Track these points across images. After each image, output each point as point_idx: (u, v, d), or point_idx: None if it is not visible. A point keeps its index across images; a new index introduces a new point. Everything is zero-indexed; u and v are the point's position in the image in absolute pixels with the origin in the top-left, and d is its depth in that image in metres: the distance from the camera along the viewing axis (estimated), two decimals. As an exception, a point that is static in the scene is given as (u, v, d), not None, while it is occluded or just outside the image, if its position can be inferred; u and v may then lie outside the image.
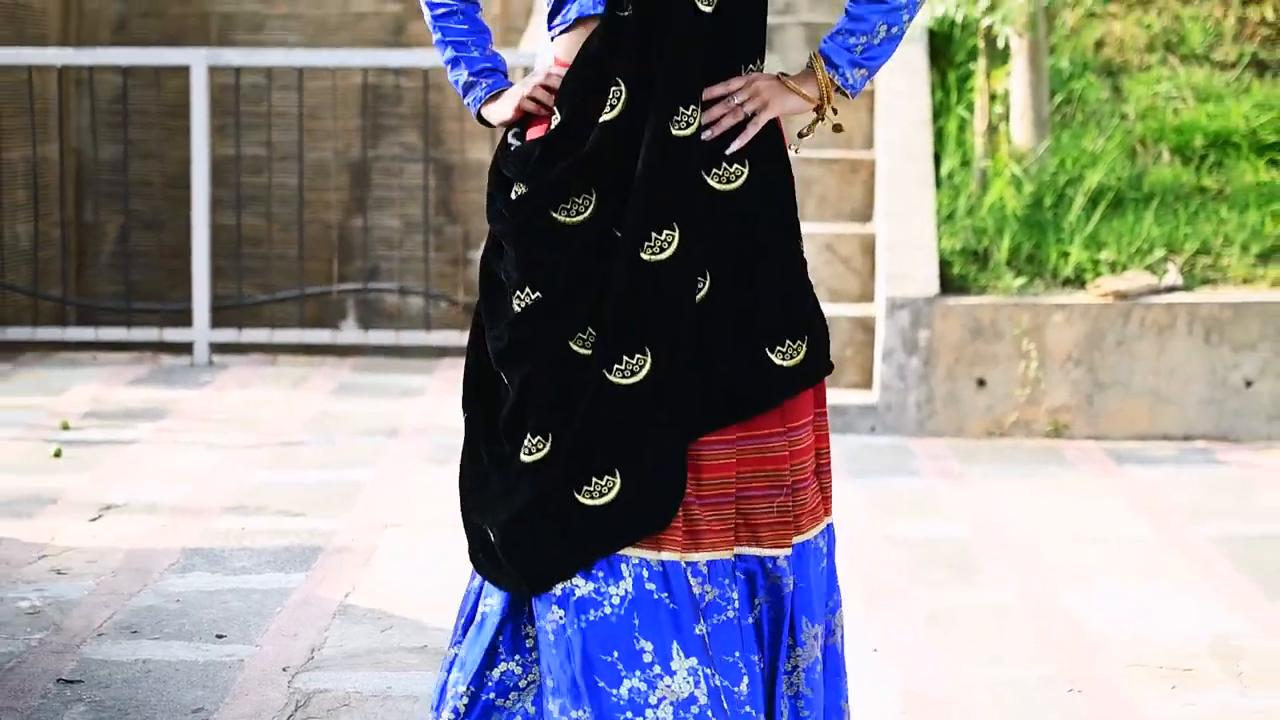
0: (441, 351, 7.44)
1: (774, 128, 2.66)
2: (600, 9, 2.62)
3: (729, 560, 2.55)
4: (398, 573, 4.29)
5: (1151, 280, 5.95)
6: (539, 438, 2.54)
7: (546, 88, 2.68)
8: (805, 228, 6.54)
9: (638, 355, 2.52)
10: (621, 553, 2.52)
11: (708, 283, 2.57)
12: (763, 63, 2.69)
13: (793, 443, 2.60)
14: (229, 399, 6.45)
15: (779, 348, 2.60)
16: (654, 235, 2.56)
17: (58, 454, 5.49)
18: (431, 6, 2.82)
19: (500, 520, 2.54)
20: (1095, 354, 5.86)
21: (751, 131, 2.60)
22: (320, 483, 5.17)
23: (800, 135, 2.71)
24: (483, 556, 2.60)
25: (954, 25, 6.60)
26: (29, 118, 8.12)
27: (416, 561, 4.38)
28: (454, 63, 2.79)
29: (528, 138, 2.68)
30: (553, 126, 2.63)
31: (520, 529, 2.52)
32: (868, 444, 5.80)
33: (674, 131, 2.57)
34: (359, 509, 4.87)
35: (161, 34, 9.19)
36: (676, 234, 2.56)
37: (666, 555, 2.52)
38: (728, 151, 2.60)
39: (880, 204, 6.37)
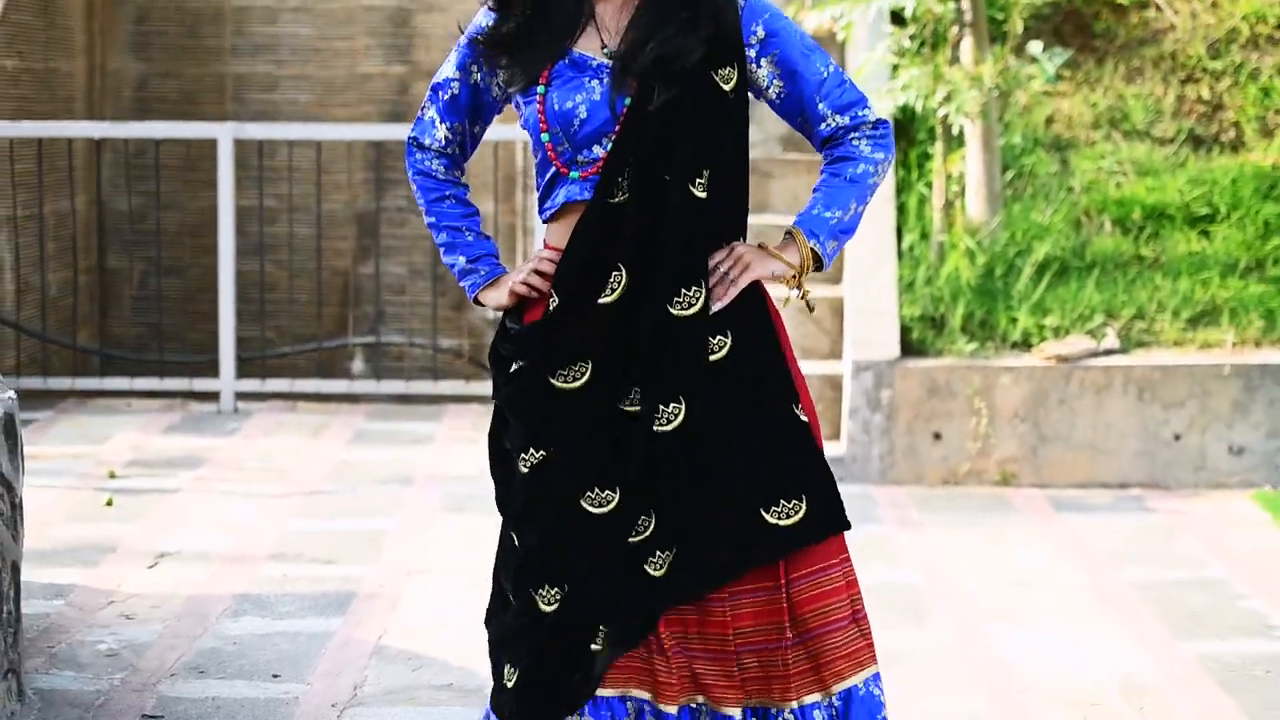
0: (448, 399, 8.08)
1: (759, 297, 2.84)
2: (587, 195, 2.81)
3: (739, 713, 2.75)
4: (423, 616, 4.93)
5: (1091, 344, 6.62)
6: (555, 589, 2.76)
7: (539, 273, 2.84)
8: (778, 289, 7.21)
9: (643, 518, 2.76)
10: (627, 693, 2.76)
11: (701, 445, 2.76)
12: (745, 239, 2.87)
13: (792, 595, 2.76)
14: (256, 447, 7.09)
15: (774, 507, 2.75)
16: (661, 408, 2.74)
17: (109, 503, 6.12)
18: (424, 191, 2.97)
19: (521, 661, 2.80)
20: (1040, 411, 6.53)
21: (733, 292, 2.78)
22: (347, 531, 5.82)
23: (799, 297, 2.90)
24: (504, 698, 2.84)
25: (914, 113, 7.27)
26: (68, 173, 8.77)
27: (440, 606, 5.02)
28: (449, 248, 2.94)
29: (525, 320, 2.86)
30: (550, 310, 2.80)
31: (538, 672, 2.78)
32: (836, 492, 6.45)
33: (674, 312, 2.74)
34: (384, 556, 5.52)
35: (180, 93, 9.81)
36: (683, 407, 2.73)
37: (666, 706, 2.76)
38: (710, 312, 2.77)
39: (848, 272, 7.02)
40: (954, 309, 6.71)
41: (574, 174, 2.84)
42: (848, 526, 2.83)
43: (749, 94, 2.89)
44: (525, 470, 2.79)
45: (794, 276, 2.85)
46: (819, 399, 6.79)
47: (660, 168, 2.78)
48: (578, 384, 2.78)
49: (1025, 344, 6.68)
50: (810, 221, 2.85)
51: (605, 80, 2.83)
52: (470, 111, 2.98)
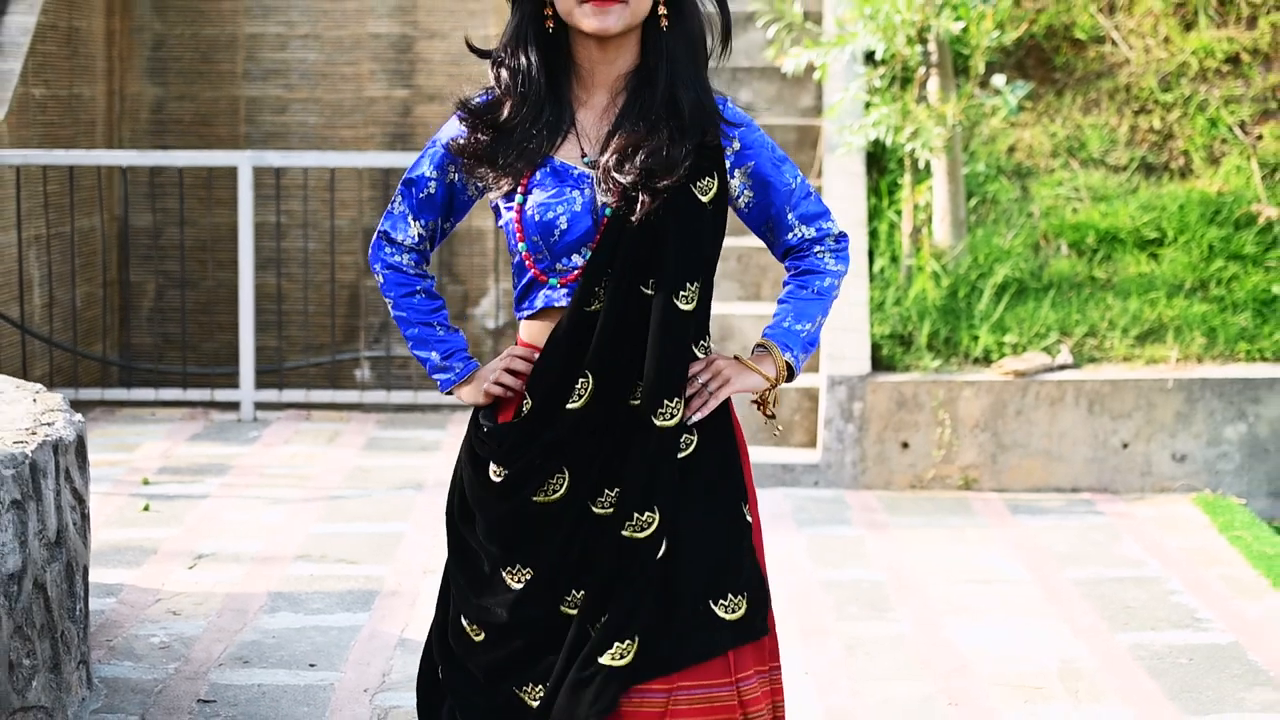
0: (452, 408, 8.65)
1: (726, 408, 2.90)
2: (565, 303, 2.84)
3: None
4: (439, 612, 5.50)
5: (1046, 360, 7.21)
6: (540, 686, 2.85)
7: (511, 371, 2.89)
8: (761, 307, 7.80)
9: (607, 613, 2.81)
10: None
11: (665, 542, 2.83)
12: (708, 340, 2.92)
13: (743, 693, 2.81)
14: (276, 454, 7.66)
15: (722, 601, 2.81)
16: (635, 515, 2.79)
17: (146, 508, 6.69)
18: (394, 285, 2.99)
19: None
20: (999, 421, 7.11)
21: (712, 404, 2.84)
22: (366, 533, 6.39)
23: (770, 417, 2.97)
24: None
25: (885, 146, 7.85)
26: (90, 194, 9.33)
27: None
28: (421, 343, 2.98)
29: (499, 419, 2.91)
30: (524, 413, 2.85)
31: None
32: (812, 496, 7.03)
33: (658, 423, 2.79)
34: (401, 556, 6.09)
35: (195, 115, 10.35)
36: (657, 516, 2.79)
37: None
38: (689, 422, 2.83)
39: (824, 292, 7.59)
40: (920, 328, 7.28)
41: (552, 280, 2.88)
42: (765, 632, 2.89)
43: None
44: (517, 587, 2.86)
45: (768, 389, 2.92)
46: (797, 410, 7.37)
47: (639, 279, 2.83)
48: (556, 496, 2.85)
49: (986, 360, 7.25)
50: (783, 335, 2.94)
51: (586, 190, 2.86)
52: (444, 209, 3.00)
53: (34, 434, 4.45)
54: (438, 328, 3.00)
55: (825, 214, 3.02)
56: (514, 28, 2.90)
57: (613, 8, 2.82)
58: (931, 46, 7.52)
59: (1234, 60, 8.48)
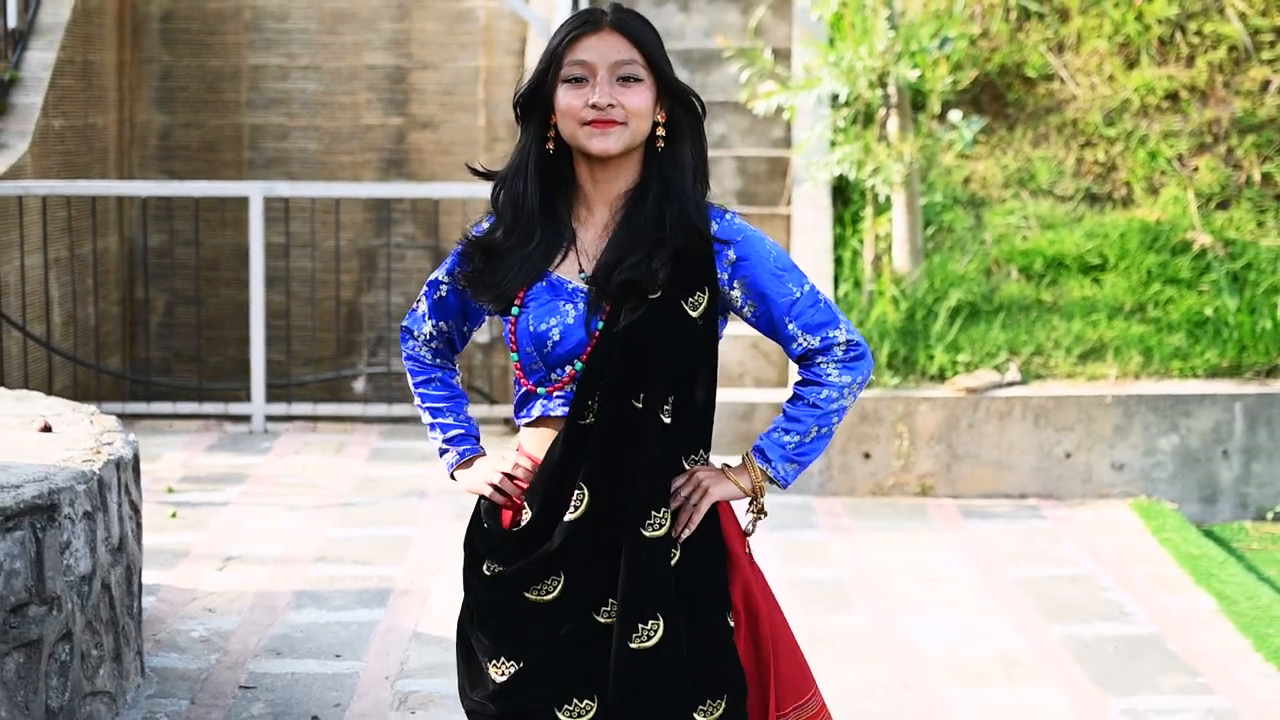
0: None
1: (713, 519, 2.95)
2: (560, 412, 2.90)
3: None
4: (449, 607, 6.13)
5: (996, 377, 7.88)
6: None
7: (509, 476, 2.96)
8: (736, 328, 8.45)
9: (586, 701, 2.87)
10: None
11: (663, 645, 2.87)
12: (707, 452, 2.96)
13: None
14: (288, 464, 8.29)
15: (701, 706, 2.89)
16: (640, 626, 2.84)
17: (174, 515, 7.31)
18: (413, 373, 3.11)
19: None
20: (953, 434, 7.78)
21: (696, 518, 2.89)
22: (377, 537, 7.02)
23: (746, 534, 3.02)
24: None
25: (848, 181, 8.52)
26: (107, 217, 9.95)
27: (460, 599, 6.22)
28: (431, 426, 3.08)
29: (500, 519, 2.98)
30: (524, 523, 2.92)
31: None
32: (781, 502, 7.69)
33: (646, 534, 2.85)
34: (411, 558, 6.73)
35: (201, 142, 10.96)
36: (661, 623, 2.85)
37: None
38: (677, 538, 2.89)
39: (793, 314, 8.25)
40: (881, 348, 7.94)
41: (541, 390, 2.97)
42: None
43: (724, 313, 3.02)
44: (501, 680, 2.92)
45: (751, 500, 2.97)
46: (767, 421, 8.03)
47: (628, 392, 2.89)
48: (550, 597, 2.91)
49: (941, 377, 7.92)
50: (766, 446, 2.98)
51: (580, 304, 2.93)
52: (458, 313, 3.11)
53: (99, 453, 5.08)
54: (448, 414, 3.09)
55: (832, 322, 3.00)
56: (518, 152, 3.01)
57: (613, 130, 2.92)
58: (891, 90, 8.19)
59: (1173, 97, 9.16)
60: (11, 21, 9.50)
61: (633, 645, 2.85)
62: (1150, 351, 8.02)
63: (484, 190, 9.47)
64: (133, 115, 10.95)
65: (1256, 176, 8.87)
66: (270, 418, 9.14)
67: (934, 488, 7.77)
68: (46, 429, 5.33)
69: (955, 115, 8.30)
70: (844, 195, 8.71)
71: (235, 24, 10.90)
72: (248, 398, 9.15)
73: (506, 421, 8.96)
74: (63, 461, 4.92)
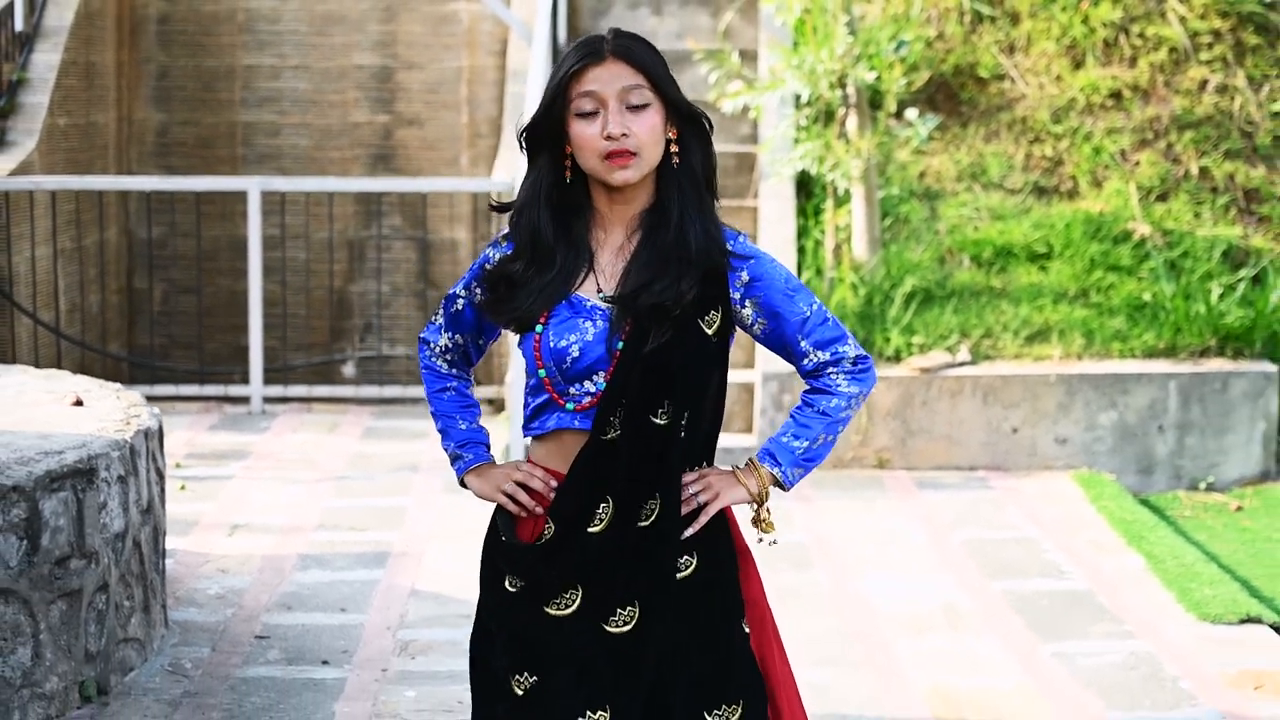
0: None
1: (725, 526, 3.02)
2: (579, 425, 2.95)
3: None
4: (443, 568, 6.70)
5: (948, 358, 8.45)
6: None
7: (526, 488, 2.99)
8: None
9: (600, 712, 2.91)
10: None
11: (658, 652, 2.94)
12: (712, 458, 3.05)
13: None
14: (286, 442, 8.83)
15: (716, 711, 2.93)
16: (619, 611, 2.92)
17: (183, 488, 7.85)
18: (428, 382, 3.17)
19: None
20: (908, 410, 8.36)
21: (703, 519, 2.95)
22: (374, 507, 7.57)
23: (759, 540, 3.13)
24: None
25: (810, 176, 9.10)
26: (118, 208, 10.47)
27: (454, 561, 6.78)
28: (444, 434, 3.14)
29: (518, 534, 3.01)
30: (548, 537, 2.95)
31: None
32: (749, 475, 8.26)
33: (639, 525, 2.93)
34: (406, 525, 7.28)
35: (196, 139, 11.46)
36: (637, 611, 2.91)
37: None
38: (682, 538, 2.95)
39: (760, 300, 8.82)
40: (841, 331, 8.51)
41: (569, 405, 3.01)
42: None
43: (734, 330, 3.10)
44: (519, 693, 2.96)
45: (754, 503, 3.04)
46: (735, 401, 8.61)
47: (649, 408, 2.96)
48: (569, 611, 2.95)
49: (897, 358, 8.50)
50: (776, 448, 3.06)
51: (598, 322, 3.00)
52: (474, 328, 3.18)
53: (128, 424, 5.63)
54: (460, 421, 3.17)
55: (841, 338, 3.10)
56: (531, 184, 3.08)
57: (631, 162, 2.99)
58: (850, 90, 8.76)
59: (1116, 96, 9.75)
60: (19, 25, 10.01)
61: (611, 629, 2.93)
62: (1092, 334, 8.60)
63: (466, 184, 10.03)
64: (131, 113, 11.45)
65: (1194, 170, 9.46)
66: (268, 399, 9.67)
67: (890, 461, 8.34)
68: (78, 403, 5.88)
69: (911, 113, 8.87)
70: (807, 189, 9.27)
71: (229, 26, 11.41)
72: (245, 380, 9.69)
73: (491, 402, 9.50)
74: (97, 431, 5.47)
